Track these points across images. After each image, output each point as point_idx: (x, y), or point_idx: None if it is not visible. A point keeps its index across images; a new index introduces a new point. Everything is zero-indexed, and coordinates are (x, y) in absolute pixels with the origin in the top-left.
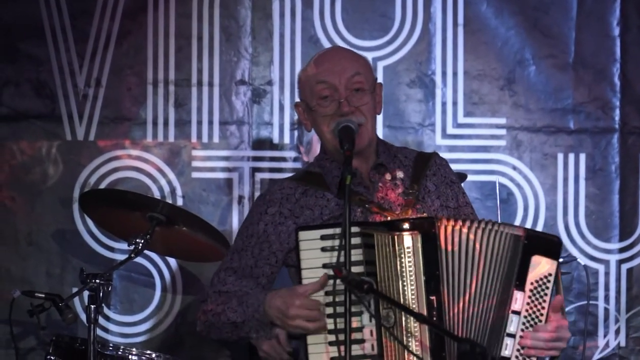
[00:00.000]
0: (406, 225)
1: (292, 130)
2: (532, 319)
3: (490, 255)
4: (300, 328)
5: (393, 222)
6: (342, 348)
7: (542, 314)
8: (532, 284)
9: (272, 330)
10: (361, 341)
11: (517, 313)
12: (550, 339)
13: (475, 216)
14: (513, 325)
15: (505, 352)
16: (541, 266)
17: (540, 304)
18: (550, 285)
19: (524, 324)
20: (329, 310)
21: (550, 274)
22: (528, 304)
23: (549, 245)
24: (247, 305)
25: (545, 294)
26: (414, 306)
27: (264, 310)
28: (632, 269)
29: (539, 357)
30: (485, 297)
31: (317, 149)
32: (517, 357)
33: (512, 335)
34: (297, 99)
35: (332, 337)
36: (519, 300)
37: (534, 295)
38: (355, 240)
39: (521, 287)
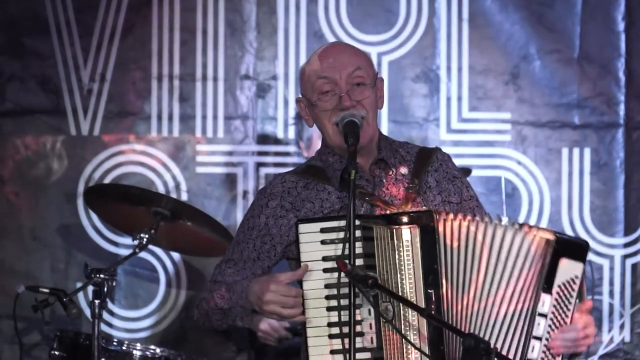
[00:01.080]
0: (405, 219)
1: (292, 125)
2: (558, 321)
3: (498, 252)
4: (274, 314)
5: (392, 216)
6: (341, 341)
7: (567, 316)
8: (559, 286)
9: (254, 318)
10: (361, 334)
11: (544, 316)
12: (580, 339)
13: (481, 209)
14: (540, 328)
15: (532, 355)
16: (568, 269)
17: (566, 306)
18: (576, 287)
19: (549, 326)
20: (332, 303)
21: (577, 277)
22: (555, 306)
23: (577, 248)
24: (234, 292)
25: (572, 297)
26: (411, 299)
27: (246, 296)
28: (636, 264)
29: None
30: (493, 293)
31: (317, 144)
32: (543, 359)
33: (539, 338)
34: (299, 95)
35: (332, 330)
36: (546, 303)
37: (561, 298)
38: (355, 233)
39: (549, 289)
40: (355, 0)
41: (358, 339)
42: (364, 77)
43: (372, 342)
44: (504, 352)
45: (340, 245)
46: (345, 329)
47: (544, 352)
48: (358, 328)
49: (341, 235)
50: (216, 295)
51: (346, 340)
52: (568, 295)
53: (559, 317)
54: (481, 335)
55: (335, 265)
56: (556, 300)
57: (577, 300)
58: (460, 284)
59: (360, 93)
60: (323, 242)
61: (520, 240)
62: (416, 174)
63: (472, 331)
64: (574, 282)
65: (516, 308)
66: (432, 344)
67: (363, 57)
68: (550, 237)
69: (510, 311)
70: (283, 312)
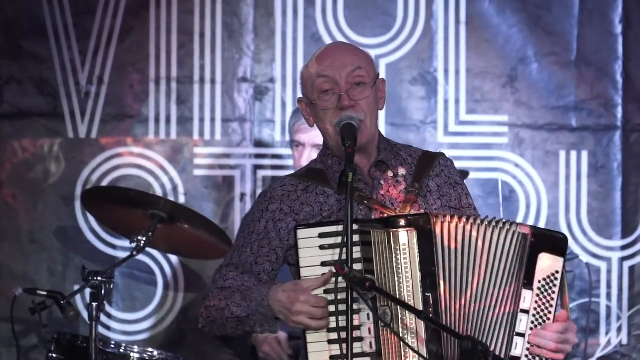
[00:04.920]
0: (402, 222)
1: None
2: (541, 317)
3: (494, 253)
4: (302, 324)
5: (389, 219)
6: (341, 346)
7: (550, 312)
8: (539, 282)
9: (277, 324)
10: (360, 339)
11: (526, 312)
12: (558, 340)
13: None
14: (522, 324)
15: (516, 352)
16: (548, 264)
17: (548, 302)
18: (557, 283)
19: (532, 322)
20: (331, 308)
21: (557, 272)
22: (536, 302)
23: (555, 242)
24: (251, 300)
25: (553, 292)
26: (409, 303)
27: (268, 304)
28: (634, 266)
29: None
30: (489, 294)
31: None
32: (527, 356)
33: (522, 335)
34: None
35: (331, 336)
36: (527, 299)
37: (542, 293)
38: (354, 238)
39: (529, 285)
40: (352, 3)
41: (357, 344)
42: (364, 77)
43: (371, 347)
44: (495, 352)
45: (341, 250)
46: (344, 334)
47: (528, 349)
48: (357, 333)
49: (340, 240)
50: (231, 303)
51: (344, 346)
52: (550, 291)
53: (541, 313)
54: (478, 336)
55: (334, 271)
56: (537, 296)
57: (560, 297)
58: (458, 286)
59: (359, 93)
60: (322, 247)
61: (504, 237)
62: (417, 177)
63: (469, 333)
64: (555, 278)
65: (504, 306)
66: (430, 346)
67: (364, 57)
68: (527, 231)
69: (502, 311)
70: (312, 324)
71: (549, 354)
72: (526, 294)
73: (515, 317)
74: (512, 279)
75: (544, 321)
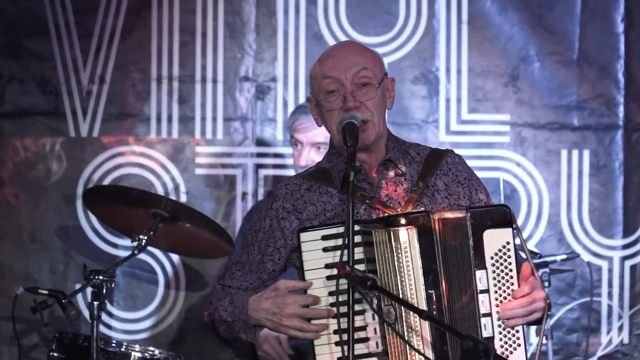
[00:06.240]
0: (402, 221)
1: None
2: (504, 291)
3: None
4: (294, 328)
5: (389, 218)
6: (341, 348)
7: (512, 284)
8: (492, 258)
9: (257, 333)
10: (365, 339)
11: (486, 291)
12: (526, 303)
13: None
14: (485, 304)
15: (486, 333)
16: (496, 238)
17: (507, 274)
18: (510, 253)
19: (496, 299)
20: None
21: (508, 242)
22: (494, 278)
23: (495, 216)
24: (235, 306)
25: (509, 263)
26: (412, 301)
27: (247, 312)
28: (635, 265)
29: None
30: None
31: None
32: (500, 332)
33: (488, 314)
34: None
35: (337, 337)
36: (482, 279)
37: (498, 268)
38: (356, 239)
39: (481, 265)
40: (354, 2)
41: (363, 345)
42: (369, 78)
43: (377, 347)
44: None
45: (343, 251)
46: (347, 336)
47: (499, 325)
48: (363, 333)
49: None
50: (220, 306)
51: (347, 347)
52: (506, 263)
53: (503, 288)
54: (480, 332)
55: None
56: (493, 272)
57: (518, 266)
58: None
59: (365, 94)
60: (325, 250)
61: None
62: (422, 176)
63: (472, 329)
64: (508, 249)
65: (467, 293)
66: (435, 346)
67: (370, 57)
68: (463, 214)
69: (465, 298)
70: (304, 327)
71: (523, 321)
72: (480, 275)
73: (477, 300)
74: (467, 264)
75: (509, 294)
